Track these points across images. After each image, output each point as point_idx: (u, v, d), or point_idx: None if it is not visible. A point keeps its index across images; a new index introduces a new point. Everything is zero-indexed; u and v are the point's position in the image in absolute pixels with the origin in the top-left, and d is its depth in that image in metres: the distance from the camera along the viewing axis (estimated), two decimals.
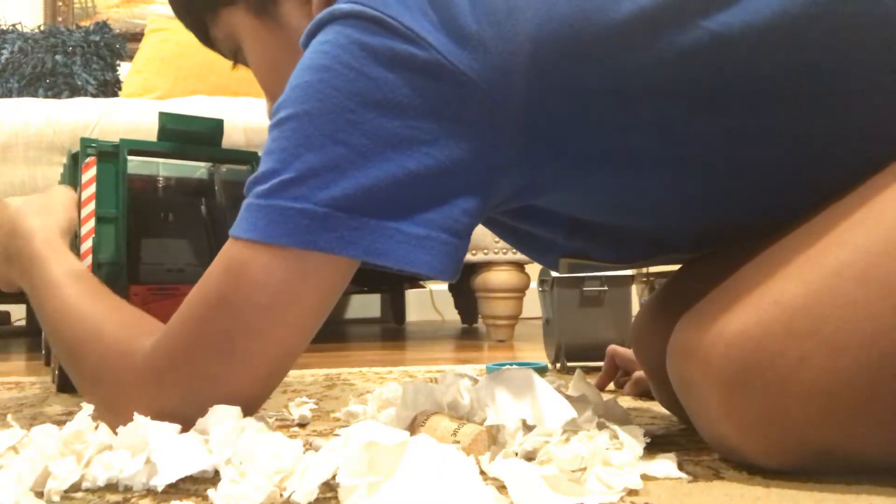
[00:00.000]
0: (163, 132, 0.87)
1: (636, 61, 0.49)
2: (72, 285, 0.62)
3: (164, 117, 0.87)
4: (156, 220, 0.88)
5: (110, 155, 0.83)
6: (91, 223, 0.80)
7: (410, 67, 0.49)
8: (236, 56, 0.72)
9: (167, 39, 2.26)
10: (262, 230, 0.49)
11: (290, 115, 0.50)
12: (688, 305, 0.53)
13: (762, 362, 0.44)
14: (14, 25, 2.35)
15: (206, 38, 0.73)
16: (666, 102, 0.50)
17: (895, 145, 0.50)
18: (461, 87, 0.49)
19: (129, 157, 0.85)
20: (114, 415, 0.53)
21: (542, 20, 0.49)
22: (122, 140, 0.84)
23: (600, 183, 0.54)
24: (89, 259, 0.80)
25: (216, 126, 0.90)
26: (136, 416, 0.49)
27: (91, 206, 0.81)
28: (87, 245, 0.80)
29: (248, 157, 0.94)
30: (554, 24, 0.49)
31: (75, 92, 2.16)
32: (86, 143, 0.83)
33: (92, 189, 0.81)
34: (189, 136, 0.88)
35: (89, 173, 0.81)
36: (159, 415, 0.51)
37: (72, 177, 0.88)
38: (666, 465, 0.48)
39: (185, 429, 0.50)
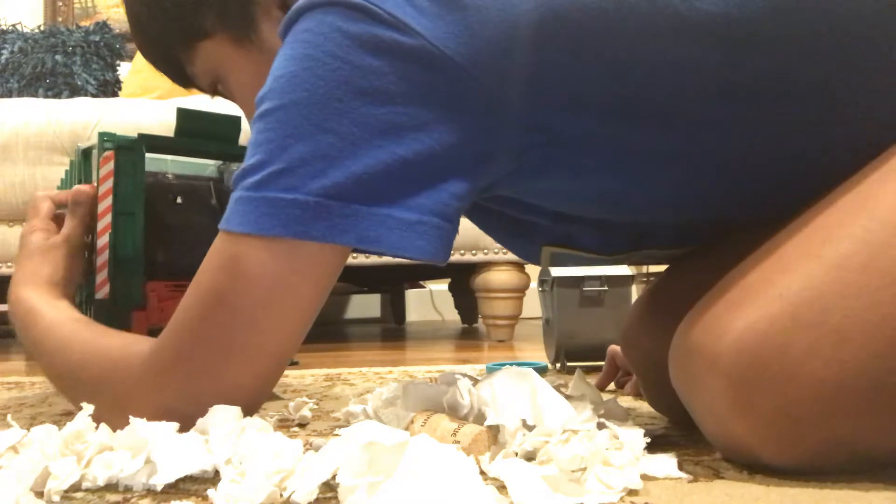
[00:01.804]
0: (180, 129, 0.86)
1: (631, 51, 0.50)
2: (64, 323, 0.63)
3: (183, 114, 0.86)
4: (173, 216, 0.88)
5: (128, 150, 0.82)
6: (108, 218, 0.80)
7: (396, 54, 0.49)
8: (215, 89, 0.71)
9: None
10: (253, 223, 0.49)
11: (276, 105, 0.50)
12: (677, 305, 0.53)
13: (770, 355, 0.45)
14: (14, 25, 2.35)
15: (182, 77, 0.72)
16: (662, 95, 0.51)
17: (885, 141, 0.50)
18: (449, 73, 0.49)
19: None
20: (118, 417, 0.53)
21: (534, 6, 0.49)
22: (140, 135, 0.83)
23: (590, 172, 0.54)
24: (105, 255, 0.79)
25: (234, 123, 0.89)
26: (133, 417, 0.49)
27: (108, 201, 0.80)
28: (104, 240, 0.79)
29: None
30: (548, 13, 0.49)
31: (75, 92, 2.16)
32: (104, 137, 0.82)
33: (109, 183, 0.81)
34: (207, 133, 0.88)
35: (107, 167, 0.81)
36: (162, 413, 0.51)
37: (81, 172, 0.88)
38: (666, 465, 0.48)
39: (187, 427, 0.50)
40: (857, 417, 0.44)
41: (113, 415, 0.53)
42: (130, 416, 0.49)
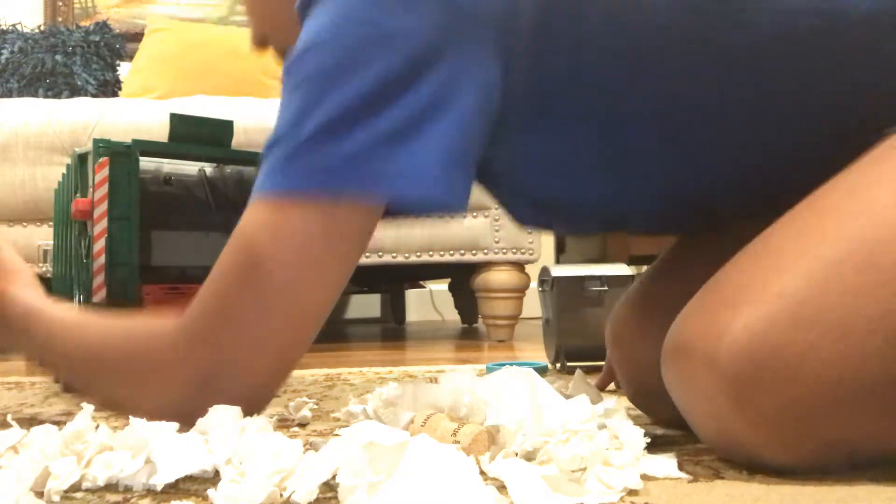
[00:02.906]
0: (174, 133, 0.87)
1: (639, 17, 0.52)
2: (72, 318, 0.63)
3: (176, 119, 0.87)
4: (168, 219, 0.88)
5: (123, 155, 0.83)
6: (104, 223, 0.81)
7: (422, 8, 0.51)
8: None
9: (167, 39, 2.25)
10: (288, 183, 0.51)
11: (305, 75, 0.52)
12: (662, 305, 0.53)
13: (769, 354, 0.45)
14: (14, 25, 2.34)
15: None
16: (666, 64, 0.53)
17: (875, 136, 0.51)
18: (473, 23, 0.51)
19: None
20: (153, 393, 0.53)
21: None
22: (134, 141, 0.84)
23: (582, 135, 0.56)
24: (102, 258, 0.80)
25: (226, 127, 0.90)
26: (133, 418, 0.49)
27: (104, 206, 0.81)
28: (100, 244, 0.80)
29: (256, 159, 0.94)
30: None
31: (75, 92, 2.16)
32: (98, 143, 0.83)
33: (105, 189, 0.81)
34: (200, 137, 0.89)
35: (102, 173, 0.82)
36: (202, 383, 0.51)
37: (76, 177, 0.88)
38: (666, 465, 0.48)
39: (219, 400, 0.51)
40: (858, 415, 0.44)
41: (147, 391, 0.54)
42: (131, 417, 0.49)
